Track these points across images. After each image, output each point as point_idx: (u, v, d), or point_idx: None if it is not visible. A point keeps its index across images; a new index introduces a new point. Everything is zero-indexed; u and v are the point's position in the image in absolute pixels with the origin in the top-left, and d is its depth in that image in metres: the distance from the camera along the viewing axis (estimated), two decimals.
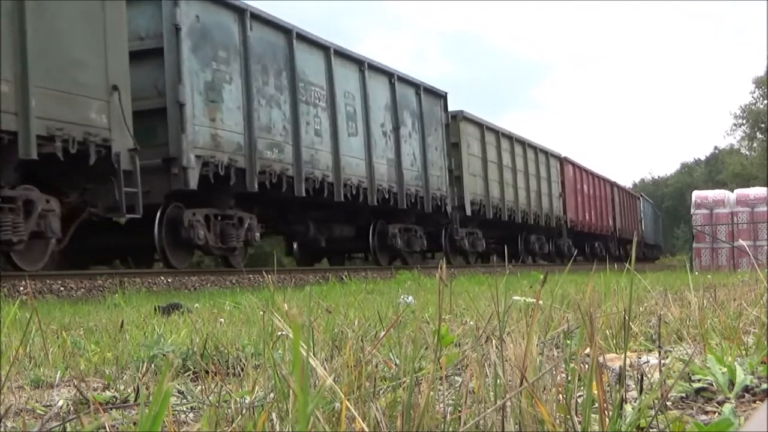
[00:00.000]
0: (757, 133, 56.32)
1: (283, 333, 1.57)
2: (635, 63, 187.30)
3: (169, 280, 10.79)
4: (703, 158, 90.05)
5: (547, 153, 26.05)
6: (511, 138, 23.19)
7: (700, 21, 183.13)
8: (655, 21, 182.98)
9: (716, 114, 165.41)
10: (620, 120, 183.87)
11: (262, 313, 2.71)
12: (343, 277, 12.83)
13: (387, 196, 16.29)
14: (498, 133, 22.34)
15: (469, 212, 19.95)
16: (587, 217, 29.60)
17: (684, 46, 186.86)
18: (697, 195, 20.77)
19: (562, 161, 27.66)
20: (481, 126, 21.45)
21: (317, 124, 14.28)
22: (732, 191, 21.00)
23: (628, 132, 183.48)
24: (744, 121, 57.94)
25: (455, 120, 20.01)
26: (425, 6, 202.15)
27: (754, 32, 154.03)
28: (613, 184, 33.73)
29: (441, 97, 19.18)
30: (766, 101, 55.00)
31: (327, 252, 18.06)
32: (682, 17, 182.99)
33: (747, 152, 58.10)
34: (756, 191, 20.40)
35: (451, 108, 19.82)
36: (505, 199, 22.26)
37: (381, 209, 16.51)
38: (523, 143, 24.11)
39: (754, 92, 56.27)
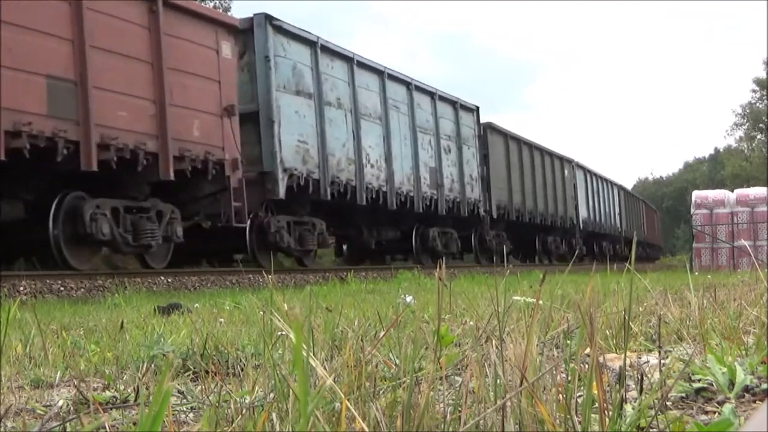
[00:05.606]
0: (758, 135, 56.36)
1: (283, 333, 1.57)
2: (633, 63, 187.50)
3: (169, 280, 10.79)
4: (703, 157, 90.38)
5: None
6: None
7: (699, 19, 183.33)
8: (654, 20, 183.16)
9: (719, 113, 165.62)
10: (619, 120, 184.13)
11: (262, 313, 2.71)
12: (344, 276, 12.84)
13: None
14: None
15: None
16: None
17: (683, 44, 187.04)
18: (697, 195, 20.82)
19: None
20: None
21: None
22: (732, 191, 21.03)
23: (628, 132, 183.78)
24: (744, 121, 58.02)
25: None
26: (415, 6, 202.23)
27: (754, 30, 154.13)
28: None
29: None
30: (766, 101, 55.05)
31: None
32: (681, 15, 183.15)
33: (747, 152, 58.16)
34: (756, 191, 20.44)
35: None
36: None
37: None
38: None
39: (756, 92, 56.35)
